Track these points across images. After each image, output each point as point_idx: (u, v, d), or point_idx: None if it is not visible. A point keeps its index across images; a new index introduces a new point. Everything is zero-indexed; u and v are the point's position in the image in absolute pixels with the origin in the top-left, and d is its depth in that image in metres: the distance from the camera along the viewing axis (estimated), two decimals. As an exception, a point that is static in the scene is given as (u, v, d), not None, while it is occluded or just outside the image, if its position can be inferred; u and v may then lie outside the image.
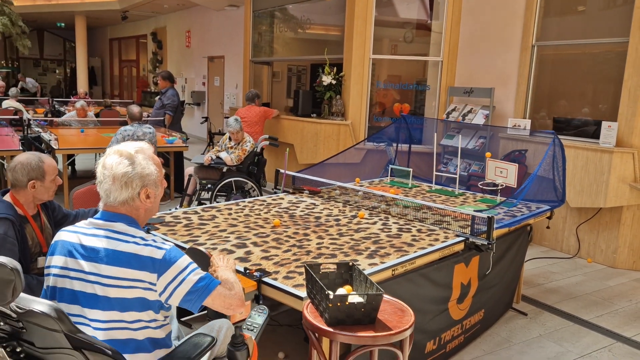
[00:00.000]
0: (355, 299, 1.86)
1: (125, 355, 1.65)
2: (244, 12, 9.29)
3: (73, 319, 1.65)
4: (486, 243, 3.05)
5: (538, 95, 6.02)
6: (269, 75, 9.51)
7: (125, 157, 1.74)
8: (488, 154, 4.41)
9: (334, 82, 7.03)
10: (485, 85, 6.25)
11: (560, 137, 5.21)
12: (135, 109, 5.77)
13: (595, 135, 5.14)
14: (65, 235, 1.77)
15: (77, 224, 1.80)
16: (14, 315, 1.41)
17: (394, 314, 1.98)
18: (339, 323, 1.86)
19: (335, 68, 7.09)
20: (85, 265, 1.69)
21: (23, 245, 2.57)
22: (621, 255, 5.08)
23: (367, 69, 6.84)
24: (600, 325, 3.85)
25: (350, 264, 2.18)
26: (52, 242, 1.79)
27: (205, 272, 1.77)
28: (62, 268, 1.72)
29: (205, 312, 2.53)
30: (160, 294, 1.69)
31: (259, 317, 1.91)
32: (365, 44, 6.77)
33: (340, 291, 1.97)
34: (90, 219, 1.78)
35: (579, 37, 5.56)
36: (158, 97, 8.30)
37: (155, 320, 1.74)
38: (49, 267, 1.76)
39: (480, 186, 4.35)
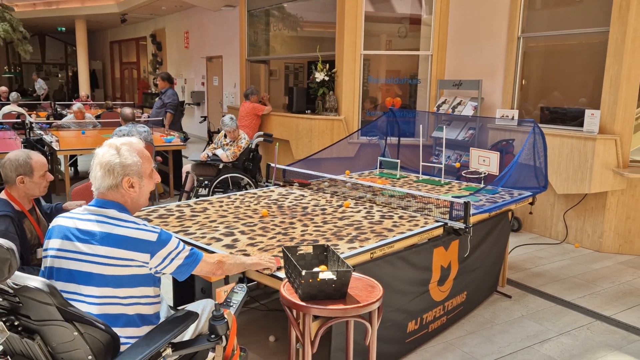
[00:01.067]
0: (326, 275, 2.02)
1: (115, 329, 1.81)
2: (239, 11, 9.45)
3: (69, 296, 1.83)
4: (463, 227, 3.20)
5: (525, 85, 6.15)
6: (266, 73, 9.67)
7: (113, 148, 1.94)
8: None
9: (326, 78, 7.18)
10: (473, 77, 6.39)
11: (546, 125, 5.36)
12: (127, 110, 5.98)
13: (582, 123, 5.26)
14: (62, 220, 1.95)
15: (72, 210, 1.98)
16: (10, 291, 1.58)
17: (364, 290, 2.13)
18: (312, 298, 2.02)
19: (327, 65, 7.24)
20: (82, 246, 1.86)
21: (23, 239, 2.74)
22: (607, 240, 5.22)
23: (358, 65, 6.98)
24: (582, 305, 4.00)
25: (325, 245, 2.33)
26: (49, 227, 1.97)
27: (191, 247, 2.04)
28: (58, 250, 1.89)
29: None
30: (151, 268, 1.90)
31: (237, 295, 2.08)
32: (356, 40, 6.91)
33: (314, 270, 2.13)
34: (85, 206, 1.96)
35: (563, 28, 5.68)
36: (158, 97, 8.50)
37: (146, 296, 1.92)
38: (46, 249, 1.93)
39: (464, 174, 4.50)
